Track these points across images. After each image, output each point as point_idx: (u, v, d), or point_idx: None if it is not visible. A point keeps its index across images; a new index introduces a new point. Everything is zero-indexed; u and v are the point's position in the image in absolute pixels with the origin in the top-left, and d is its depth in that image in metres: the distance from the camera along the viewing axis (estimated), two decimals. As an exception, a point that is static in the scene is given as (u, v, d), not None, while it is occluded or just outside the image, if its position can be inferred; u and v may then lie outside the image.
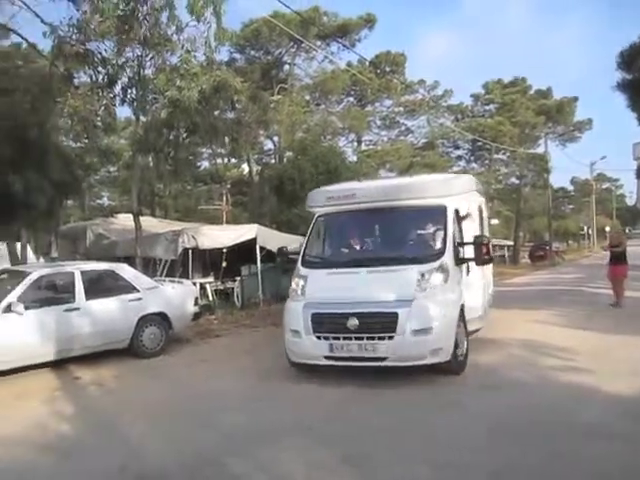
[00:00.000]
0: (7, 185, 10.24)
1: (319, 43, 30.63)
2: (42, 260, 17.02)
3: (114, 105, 13.50)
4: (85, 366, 8.06)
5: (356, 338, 6.43)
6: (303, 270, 7.45)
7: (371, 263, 7.23)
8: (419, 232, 7.90)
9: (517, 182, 42.08)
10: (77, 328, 8.05)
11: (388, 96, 34.60)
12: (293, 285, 7.34)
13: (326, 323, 6.64)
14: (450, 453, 4.52)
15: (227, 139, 18.19)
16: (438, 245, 7.29)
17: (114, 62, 12.63)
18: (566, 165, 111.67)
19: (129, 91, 12.88)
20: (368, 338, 6.40)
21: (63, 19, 11.98)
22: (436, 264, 6.87)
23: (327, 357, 6.61)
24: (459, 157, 43.00)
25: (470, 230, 8.04)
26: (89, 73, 12.75)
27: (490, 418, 5.37)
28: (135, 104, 13.46)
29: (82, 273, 8.50)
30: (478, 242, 7.33)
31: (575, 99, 41.29)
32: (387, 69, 33.63)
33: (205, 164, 36.78)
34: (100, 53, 12.54)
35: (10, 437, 5.26)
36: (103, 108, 13.47)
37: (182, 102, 12.52)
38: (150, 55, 12.95)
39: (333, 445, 4.78)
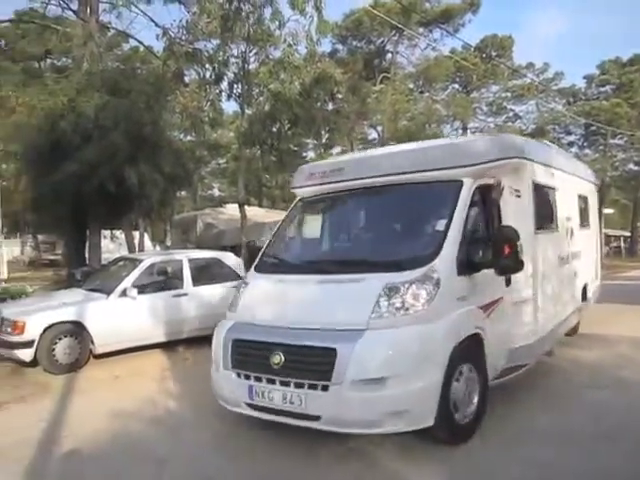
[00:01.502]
0: (125, 179, 11.11)
1: (421, 30, 30.14)
2: (158, 248, 18.21)
3: (220, 100, 14.16)
4: (193, 348, 8.54)
5: (281, 383, 4.33)
6: (250, 275, 5.58)
7: (332, 269, 5.08)
8: (413, 221, 5.51)
9: (636, 168, 39.07)
10: (185, 312, 8.58)
11: (494, 81, 33.44)
12: (231, 296, 5.62)
13: (248, 355, 4.62)
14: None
15: (325, 130, 18.45)
16: (432, 242, 4.84)
17: (220, 59, 13.23)
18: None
19: (235, 86, 13.46)
20: (296, 385, 4.26)
21: (173, 21, 12.72)
22: (417, 273, 4.48)
23: (248, 404, 4.57)
24: (571, 143, 40.50)
25: (523, 220, 5.60)
26: (197, 71, 13.45)
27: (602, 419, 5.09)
28: (240, 98, 14.03)
29: (189, 261, 9.02)
30: (499, 237, 4.89)
31: None
32: (493, 53, 32.44)
33: (311, 154, 37.41)
34: (207, 51, 13.24)
35: (125, 410, 5.71)
36: (209, 104, 14.14)
37: (284, 95, 12.87)
38: (254, 51, 13.44)
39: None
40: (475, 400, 4.74)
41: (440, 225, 4.97)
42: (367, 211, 6.05)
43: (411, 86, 32.10)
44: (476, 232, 5.13)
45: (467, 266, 4.75)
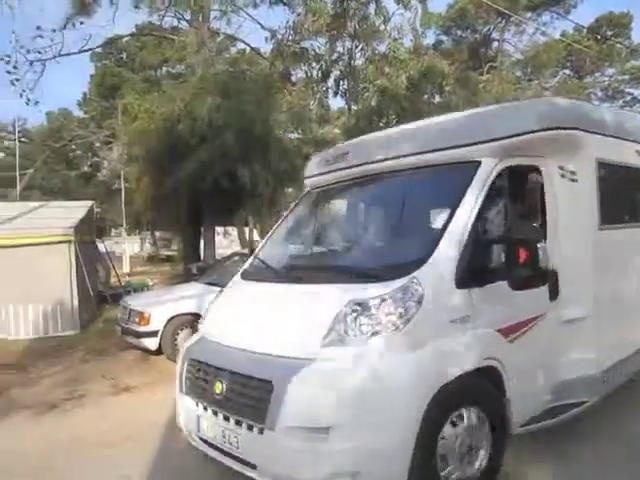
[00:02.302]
0: (237, 177, 11.55)
1: (529, 15, 28.75)
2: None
3: (326, 97, 14.33)
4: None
5: (224, 417, 3.50)
6: (232, 281, 4.75)
7: (302, 276, 4.13)
8: (408, 217, 4.23)
9: None
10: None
11: (610, 64, 31.14)
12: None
13: (197, 379, 3.86)
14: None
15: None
16: (421, 245, 3.75)
17: (326, 57, 13.40)
18: None
19: (341, 83, 13.56)
20: (236, 422, 3.41)
21: (281, 23, 13.06)
22: (393, 286, 3.37)
23: (198, 436, 3.83)
24: None
25: (580, 211, 4.31)
26: (304, 70, 13.70)
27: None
28: (347, 95, 14.13)
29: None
30: (510, 237, 3.78)
31: None
32: (608, 33, 30.24)
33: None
34: (314, 50, 13.43)
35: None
36: (316, 101, 14.36)
37: (391, 90, 12.80)
38: (360, 47, 13.47)
39: None
40: (482, 455, 3.54)
41: (438, 222, 3.80)
42: (357, 206, 5.10)
43: (519, 74, 30.74)
44: (497, 230, 3.91)
45: (477, 275, 3.60)
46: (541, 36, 29.66)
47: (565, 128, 4.15)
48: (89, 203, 14.62)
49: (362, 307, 3.30)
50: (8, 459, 4.62)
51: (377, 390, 3.11)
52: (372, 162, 4.56)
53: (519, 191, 4.21)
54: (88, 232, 12.91)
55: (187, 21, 17.93)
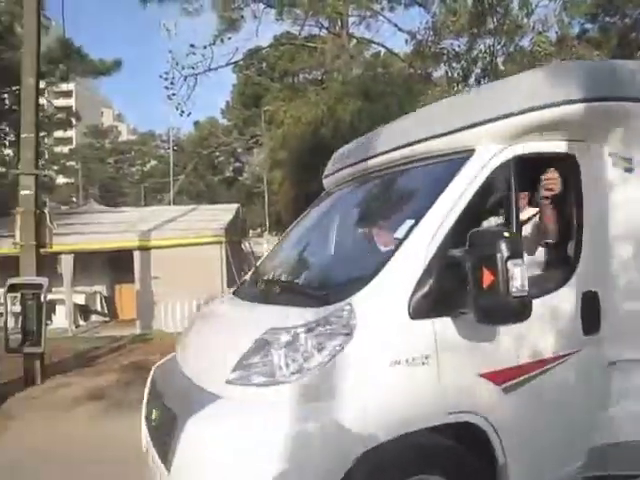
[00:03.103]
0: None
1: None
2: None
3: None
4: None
5: (154, 449, 2.94)
6: (224, 297, 4.33)
7: (256, 294, 3.52)
8: (374, 226, 3.49)
9: None
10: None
11: None
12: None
13: (148, 404, 3.38)
14: None
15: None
16: (371, 261, 2.99)
17: (467, 56, 13.33)
18: None
19: (482, 81, 13.40)
20: (159, 455, 2.80)
21: (419, 24, 13.23)
22: (317, 314, 2.66)
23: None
24: None
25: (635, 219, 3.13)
26: (445, 70, 13.74)
27: None
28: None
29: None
30: (471, 253, 2.61)
31: None
32: None
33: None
34: (454, 49, 13.41)
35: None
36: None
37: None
38: (502, 43, 13.22)
39: None
40: None
41: (400, 232, 2.93)
42: (332, 212, 4.29)
43: (677, 60, 28.15)
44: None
45: (447, 301, 2.68)
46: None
47: (608, 99, 2.99)
48: (235, 206, 15.81)
49: (276, 338, 2.60)
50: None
51: (268, 446, 2.39)
52: (367, 159, 3.92)
53: (535, 188, 3.25)
54: (235, 233, 13.98)
55: (326, 28, 18.68)
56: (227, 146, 32.67)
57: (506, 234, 2.58)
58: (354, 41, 20.75)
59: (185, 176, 34.15)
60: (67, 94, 54.07)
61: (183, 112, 16.77)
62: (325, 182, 4.76)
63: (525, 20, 13.27)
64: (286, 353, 2.55)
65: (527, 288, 2.51)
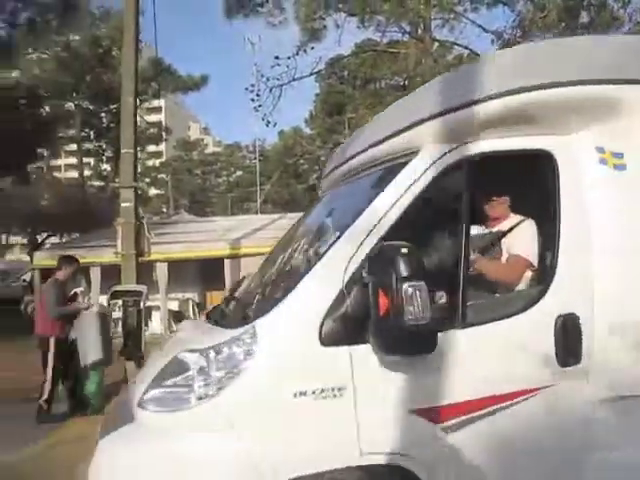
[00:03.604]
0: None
1: None
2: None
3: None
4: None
5: None
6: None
7: (221, 315, 3.22)
8: (312, 242, 3.12)
9: None
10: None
11: None
12: None
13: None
14: None
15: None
16: (286, 282, 2.79)
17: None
18: None
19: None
20: None
21: (506, 23, 12.86)
22: (224, 337, 2.46)
23: None
24: None
25: (627, 226, 2.58)
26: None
27: None
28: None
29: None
30: (370, 276, 2.33)
31: None
32: None
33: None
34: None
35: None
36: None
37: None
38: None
39: None
40: None
41: (322, 247, 2.66)
42: (303, 225, 3.89)
43: None
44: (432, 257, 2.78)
45: (369, 326, 2.33)
46: None
47: (593, 82, 2.49)
48: (319, 214, 15.90)
49: (184, 361, 2.45)
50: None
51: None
52: (331, 170, 3.70)
53: (500, 192, 2.90)
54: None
55: (408, 33, 18.51)
56: (311, 155, 33.11)
57: (404, 250, 2.22)
58: (437, 44, 20.47)
59: (271, 185, 34.97)
60: (157, 110, 56.84)
61: (269, 122, 17.19)
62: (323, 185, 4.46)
63: (621, 11, 12.67)
64: (188, 377, 2.38)
65: (428, 314, 2.15)
